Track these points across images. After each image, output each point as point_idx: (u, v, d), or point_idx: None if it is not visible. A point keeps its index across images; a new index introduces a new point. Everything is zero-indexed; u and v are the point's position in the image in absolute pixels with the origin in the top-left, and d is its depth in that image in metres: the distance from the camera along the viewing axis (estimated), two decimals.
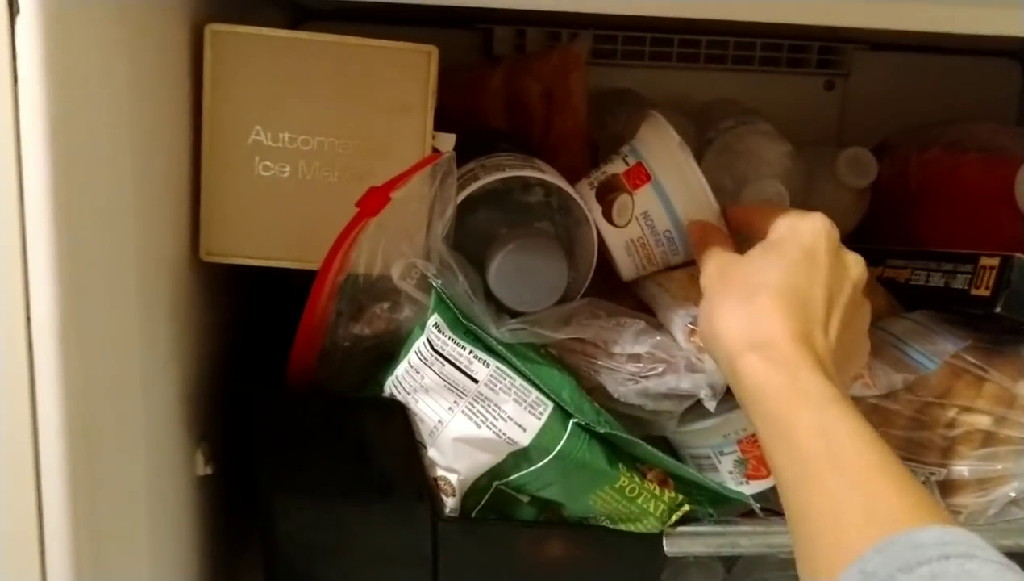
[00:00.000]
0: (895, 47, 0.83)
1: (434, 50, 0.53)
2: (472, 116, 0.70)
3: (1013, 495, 0.57)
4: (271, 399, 0.57)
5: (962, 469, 0.57)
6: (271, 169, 0.53)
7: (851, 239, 0.67)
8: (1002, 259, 0.55)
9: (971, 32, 0.47)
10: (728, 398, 0.56)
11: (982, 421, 0.57)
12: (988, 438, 0.57)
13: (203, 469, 0.56)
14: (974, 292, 0.57)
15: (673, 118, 0.65)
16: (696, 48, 0.82)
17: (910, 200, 0.69)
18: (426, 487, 0.56)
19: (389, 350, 0.56)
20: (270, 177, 0.53)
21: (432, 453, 0.55)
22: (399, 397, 0.55)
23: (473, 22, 0.79)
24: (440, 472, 0.56)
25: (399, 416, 0.55)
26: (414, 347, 0.54)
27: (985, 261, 0.56)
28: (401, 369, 0.55)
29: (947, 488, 0.58)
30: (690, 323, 0.56)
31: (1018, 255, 0.55)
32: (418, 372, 0.54)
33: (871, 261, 0.62)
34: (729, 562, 0.65)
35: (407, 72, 0.53)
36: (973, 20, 0.49)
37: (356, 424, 0.56)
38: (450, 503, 0.57)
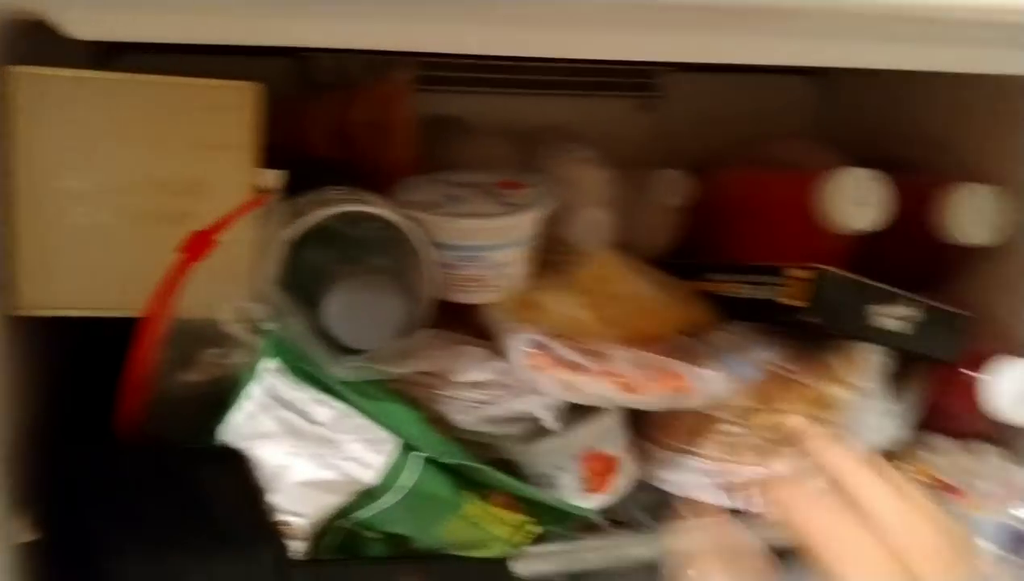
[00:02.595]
0: (704, 68, 0.89)
1: (257, 87, 0.53)
2: (297, 147, 0.70)
3: (824, 485, 0.62)
4: (99, 455, 0.55)
5: (783, 468, 0.62)
6: (86, 215, 0.52)
7: (670, 257, 0.72)
8: (816, 273, 0.61)
9: (773, 63, 0.51)
10: (567, 417, 0.59)
11: (797, 423, 0.62)
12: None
13: (25, 536, 0.53)
14: (785, 301, 0.62)
15: (497, 145, 0.68)
16: (520, 74, 0.85)
17: (723, 218, 0.75)
18: (271, 533, 0.56)
19: (223, 396, 0.55)
20: (86, 223, 0.52)
21: (276, 498, 0.55)
22: (237, 444, 0.55)
23: (292, 50, 0.79)
24: (285, 516, 0.56)
25: (237, 463, 0.55)
26: (249, 393, 0.54)
27: (793, 272, 0.62)
28: (237, 416, 0.54)
29: (768, 487, 0.62)
30: (525, 347, 0.58)
31: (830, 269, 0.61)
32: (255, 418, 0.54)
33: (690, 275, 0.67)
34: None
35: (227, 110, 0.53)
36: (772, 51, 0.53)
37: (193, 475, 0.55)
38: (297, 547, 0.57)
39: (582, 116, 0.87)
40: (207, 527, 0.56)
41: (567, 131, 0.81)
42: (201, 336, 0.55)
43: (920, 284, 0.67)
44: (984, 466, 0.69)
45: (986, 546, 0.66)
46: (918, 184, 0.70)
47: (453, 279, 0.62)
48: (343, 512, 0.56)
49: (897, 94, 0.82)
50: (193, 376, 0.56)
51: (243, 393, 0.54)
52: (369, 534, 0.59)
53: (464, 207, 0.61)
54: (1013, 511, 0.66)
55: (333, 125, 0.73)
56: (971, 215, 0.69)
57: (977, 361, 0.68)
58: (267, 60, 0.77)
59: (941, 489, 0.67)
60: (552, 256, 0.66)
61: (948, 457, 0.68)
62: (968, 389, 0.68)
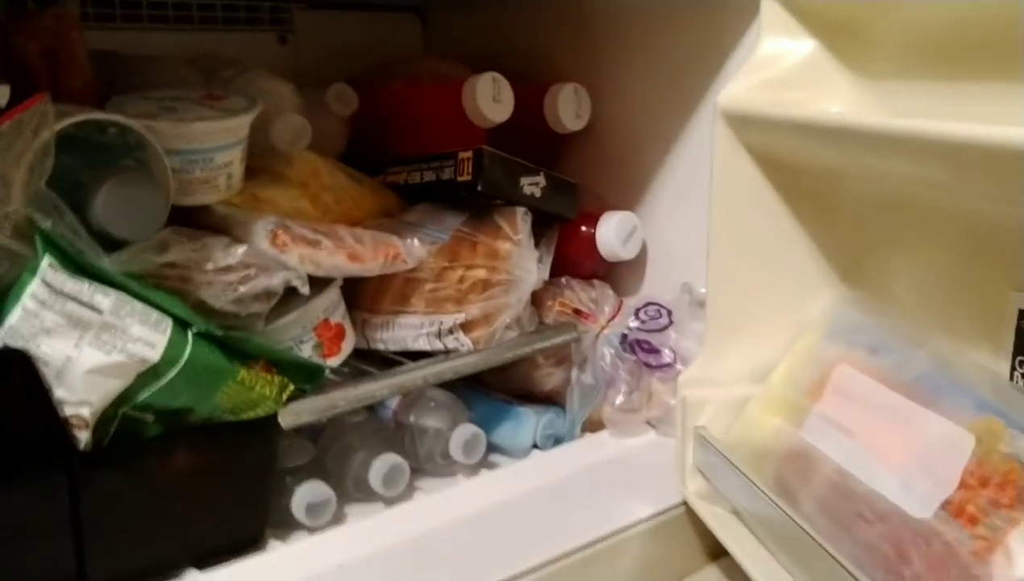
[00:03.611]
0: (329, 6, 1.03)
1: None
2: None
3: (508, 321, 0.81)
4: None
5: (474, 310, 0.79)
6: None
7: (344, 160, 0.85)
8: (475, 152, 0.78)
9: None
10: (300, 295, 0.70)
11: (480, 273, 0.80)
12: (486, 285, 0.80)
13: None
14: (459, 179, 0.79)
15: (182, 70, 0.76)
16: (160, 10, 0.91)
17: (387, 125, 0.89)
18: (59, 428, 0.60)
19: None
20: None
21: (61, 393, 0.60)
22: (16, 346, 0.58)
23: None
24: (71, 410, 0.60)
25: (18, 365, 0.58)
26: (28, 293, 0.58)
27: (462, 155, 0.79)
28: (15, 317, 0.58)
29: (467, 327, 0.79)
30: (271, 227, 0.68)
31: (486, 148, 0.79)
32: (36, 316, 0.58)
33: (375, 172, 0.81)
34: (314, 436, 0.80)
35: None
36: None
37: None
38: (84, 437, 0.61)
39: (231, 49, 0.95)
40: None
41: (227, 58, 0.89)
42: None
43: (540, 162, 0.87)
44: (604, 296, 0.92)
45: (610, 351, 0.88)
46: (528, 88, 0.90)
47: (183, 183, 0.69)
48: (126, 396, 0.62)
49: (498, 19, 1.03)
50: None
51: (18, 295, 0.57)
52: (146, 417, 0.65)
53: (184, 115, 0.68)
54: (625, 323, 0.89)
55: (4, 54, 0.74)
56: (566, 108, 0.91)
57: (590, 218, 0.91)
58: None
59: (578, 316, 0.89)
60: (261, 160, 0.75)
61: (579, 292, 0.90)
62: (587, 240, 0.90)
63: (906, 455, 0.57)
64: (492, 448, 0.88)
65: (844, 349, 0.69)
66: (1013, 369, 0.61)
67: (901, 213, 0.71)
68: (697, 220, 0.87)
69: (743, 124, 0.70)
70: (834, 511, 0.59)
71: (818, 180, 0.73)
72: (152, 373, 0.62)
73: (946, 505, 0.52)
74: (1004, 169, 0.52)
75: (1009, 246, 0.62)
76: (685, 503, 0.76)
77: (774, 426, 0.70)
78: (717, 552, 0.79)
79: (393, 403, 0.85)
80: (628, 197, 0.93)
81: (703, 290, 0.86)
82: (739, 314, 0.77)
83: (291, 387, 0.70)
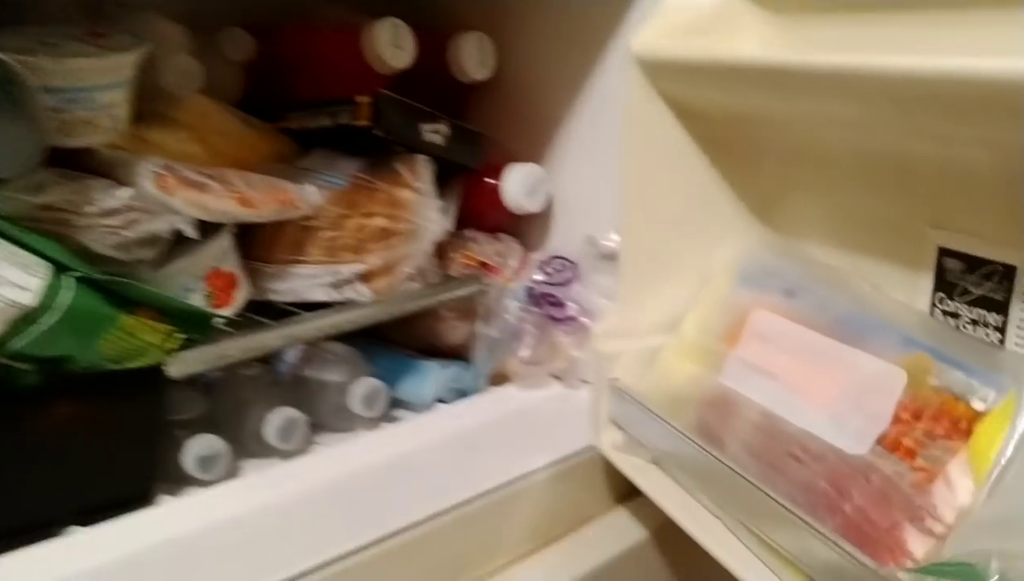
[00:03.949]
0: None
1: None
2: None
3: (409, 271, 0.79)
4: None
5: (374, 260, 0.78)
6: None
7: (241, 108, 0.83)
8: (373, 96, 0.76)
9: None
10: (190, 241, 0.68)
11: (380, 222, 0.78)
12: (387, 234, 0.79)
13: None
14: (357, 123, 0.77)
15: (65, 6, 0.72)
16: None
17: (285, 72, 0.87)
18: None
19: None
20: None
21: None
22: None
23: None
24: None
25: None
26: None
27: (360, 99, 0.77)
28: None
29: (367, 277, 0.78)
30: (155, 169, 0.65)
31: (384, 92, 0.77)
32: None
33: (271, 117, 0.79)
34: (207, 390, 0.78)
35: None
36: None
37: None
38: None
39: None
40: None
41: None
42: None
43: (448, 113, 0.86)
44: (510, 249, 0.91)
45: (515, 304, 0.88)
46: (432, 36, 0.89)
47: (64, 123, 0.65)
48: None
49: None
50: None
51: None
52: (21, 366, 0.62)
53: (64, 51, 0.65)
54: (529, 277, 0.89)
55: None
56: (469, 57, 0.89)
57: (495, 170, 0.90)
58: None
59: (484, 268, 0.88)
60: (149, 103, 0.72)
61: (484, 245, 0.90)
62: (492, 192, 0.89)
63: (834, 394, 0.58)
64: (395, 403, 0.87)
65: (758, 293, 0.70)
66: (933, 305, 0.63)
67: (815, 156, 0.72)
68: (603, 172, 0.87)
69: (658, 70, 0.70)
70: (764, 452, 0.60)
71: (731, 126, 0.74)
72: (27, 319, 0.59)
73: (881, 440, 0.54)
74: (920, 100, 0.53)
75: (925, 183, 0.63)
76: (593, 450, 0.76)
77: (690, 373, 0.71)
78: (624, 495, 0.80)
79: (291, 356, 0.83)
80: (535, 149, 0.93)
81: (607, 242, 0.86)
82: (652, 264, 0.77)
83: (178, 336, 0.67)
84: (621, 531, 0.79)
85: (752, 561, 0.60)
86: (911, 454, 0.52)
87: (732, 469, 0.59)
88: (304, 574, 0.65)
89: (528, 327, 0.88)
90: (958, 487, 0.49)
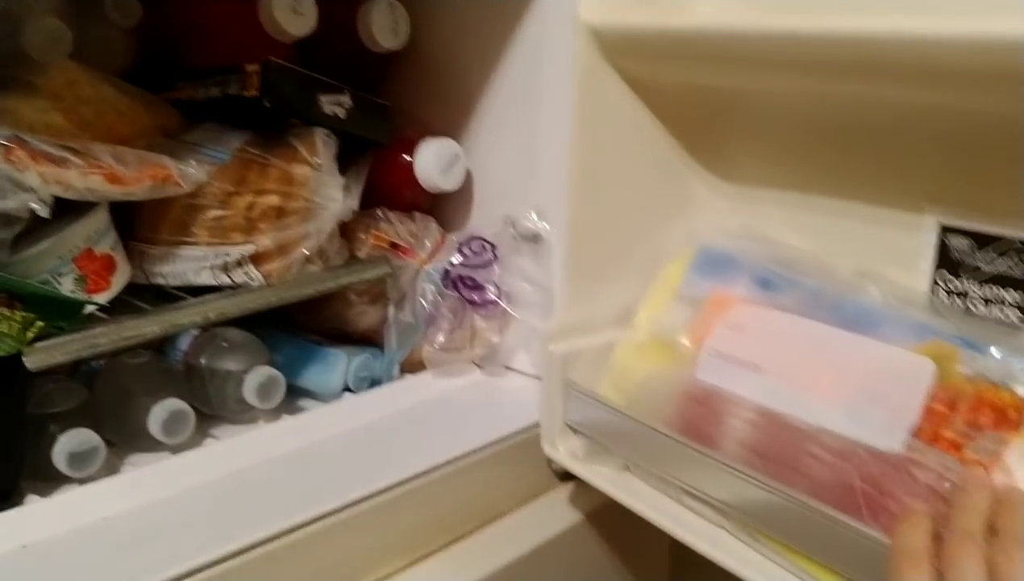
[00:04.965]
0: None
1: None
2: None
3: (306, 253, 0.74)
4: None
5: (266, 241, 0.73)
6: None
7: (129, 79, 0.77)
8: (262, 64, 0.71)
9: None
10: (59, 221, 0.63)
11: (273, 200, 0.73)
12: (280, 213, 0.74)
13: None
14: (246, 94, 0.72)
15: None
16: None
17: (179, 39, 0.81)
18: None
19: None
20: None
21: None
22: None
23: None
24: None
25: None
26: None
27: (248, 67, 0.72)
28: None
29: (258, 259, 0.73)
30: (2, 142, 0.60)
31: (274, 60, 0.72)
32: None
33: (159, 88, 0.74)
34: (89, 381, 0.73)
35: None
36: None
37: None
38: None
39: None
40: None
41: None
42: None
43: (361, 86, 0.81)
44: (425, 230, 0.86)
45: (431, 287, 0.83)
46: (341, 1, 0.83)
47: None
48: None
49: None
50: None
51: None
52: None
53: None
54: (446, 258, 0.84)
55: None
56: (380, 24, 0.84)
57: (409, 146, 0.85)
58: None
59: (395, 250, 0.84)
60: (11, 69, 0.67)
61: (398, 225, 0.85)
62: (405, 169, 0.85)
63: (847, 387, 0.54)
64: (302, 393, 0.82)
65: (721, 283, 0.66)
66: (935, 284, 0.60)
67: (787, 129, 0.68)
68: (523, 149, 0.82)
69: (610, 40, 0.65)
70: (772, 452, 0.55)
71: (693, 98, 0.69)
72: None
73: (916, 434, 0.50)
74: (888, 63, 0.49)
75: (920, 156, 0.60)
76: (515, 437, 0.72)
77: (652, 371, 0.66)
78: (552, 482, 0.76)
79: (184, 344, 0.78)
80: (453, 124, 0.88)
81: (528, 223, 0.82)
82: (603, 252, 0.73)
83: (38, 324, 0.62)
84: (551, 515, 0.75)
85: (764, 564, 0.56)
86: (956, 447, 0.49)
87: (741, 472, 0.54)
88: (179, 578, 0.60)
89: (444, 312, 0.84)
90: (1018, 476, 0.47)
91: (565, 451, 0.70)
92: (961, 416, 0.50)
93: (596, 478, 0.67)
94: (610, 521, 0.78)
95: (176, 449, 0.72)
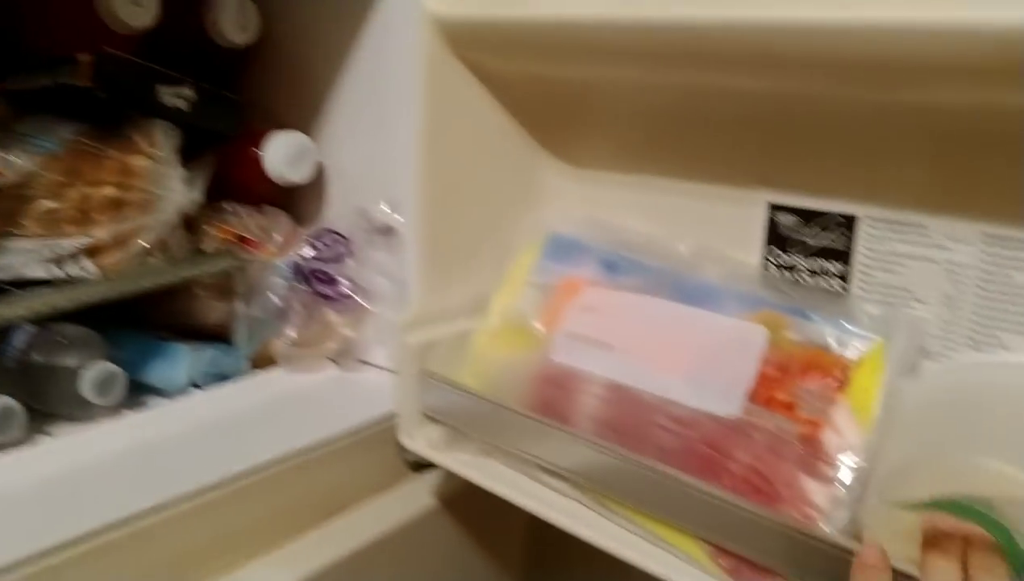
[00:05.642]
0: None
1: None
2: None
3: (145, 245, 0.74)
4: None
5: (102, 233, 0.72)
6: None
7: None
8: (96, 54, 0.70)
9: None
10: None
11: (109, 192, 0.72)
12: (118, 205, 0.73)
13: None
14: (79, 83, 0.71)
15: None
16: None
17: (16, 27, 0.79)
18: None
19: None
20: None
21: None
22: None
23: None
24: None
25: None
26: None
27: (81, 58, 0.71)
28: None
29: (94, 252, 0.72)
30: None
31: (108, 50, 0.71)
32: None
33: None
34: None
35: None
36: None
37: None
38: None
39: None
40: None
41: None
42: None
43: (211, 80, 0.80)
44: (275, 223, 0.86)
45: (282, 282, 0.83)
46: None
47: None
48: None
49: None
50: None
51: None
52: None
53: None
54: (297, 252, 0.84)
55: None
56: (228, 19, 0.84)
57: (257, 138, 0.84)
58: None
59: (243, 243, 0.83)
60: None
61: (246, 218, 0.84)
62: (253, 162, 0.84)
63: (687, 359, 0.57)
64: (147, 390, 0.81)
65: (570, 268, 0.68)
66: (766, 260, 0.63)
67: (632, 120, 0.70)
68: (375, 141, 0.83)
69: (459, 32, 0.66)
70: (623, 426, 0.57)
71: (540, 89, 0.70)
72: None
73: (752, 399, 0.54)
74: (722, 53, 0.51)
75: (752, 141, 0.63)
76: (368, 430, 0.72)
77: (508, 358, 0.67)
78: (404, 472, 0.77)
79: (19, 339, 0.76)
80: (305, 117, 0.88)
81: (381, 215, 0.83)
82: (455, 243, 0.73)
83: None
84: (402, 505, 0.75)
85: (619, 532, 0.58)
86: (789, 407, 0.53)
87: (595, 443, 0.57)
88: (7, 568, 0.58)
89: (296, 306, 0.84)
90: (847, 433, 0.50)
91: (423, 441, 0.70)
92: (792, 379, 0.54)
93: (456, 464, 0.68)
94: (464, 508, 0.79)
95: (4, 447, 0.70)
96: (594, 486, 0.59)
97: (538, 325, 0.67)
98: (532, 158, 0.76)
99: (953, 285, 0.56)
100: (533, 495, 0.63)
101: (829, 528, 0.48)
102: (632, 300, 0.63)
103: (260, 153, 0.84)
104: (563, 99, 0.71)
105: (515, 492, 0.63)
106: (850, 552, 0.45)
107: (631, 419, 0.57)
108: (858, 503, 0.49)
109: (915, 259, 0.57)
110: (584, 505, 0.61)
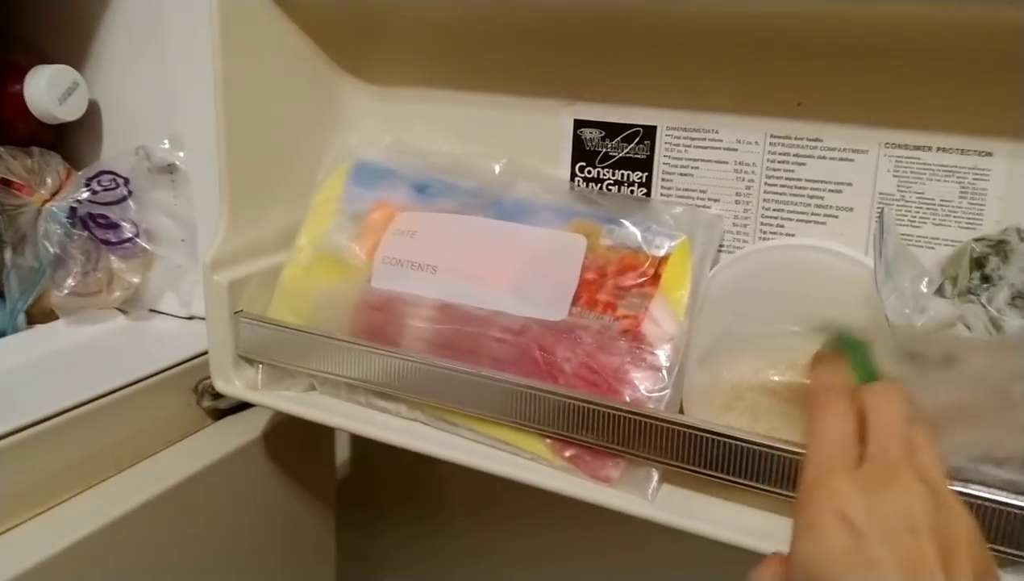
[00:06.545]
0: None
1: None
2: None
3: None
4: None
5: None
6: None
7: None
8: None
9: None
10: None
11: None
12: None
13: None
14: None
15: None
16: None
17: None
18: None
19: None
20: None
21: None
22: None
23: None
24: None
25: None
26: None
27: None
28: None
29: None
30: None
31: None
32: None
33: None
34: None
35: None
36: None
37: None
38: None
39: None
40: None
41: None
42: None
43: None
44: (46, 165, 0.79)
45: (56, 228, 0.77)
46: None
47: None
48: None
49: None
50: None
51: None
52: None
53: None
54: (72, 196, 0.78)
55: None
56: None
57: (19, 74, 0.77)
58: None
59: (8, 187, 0.76)
60: None
61: (10, 161, 0.77)
62: (16, 99, 0.77)
63: (511, 272, 0.59)
64: None
65: (380, 193, 0.67)
66: (574, 175, 0.66)
67: (436, 38, 0.69)
68: (152, 75, 0.78)
69: None
70: (457, 343, 0.58)
71: (340, 14, 0.68)
72: None
73: (577, 302, 0.57)
74: None
75: (556, 57, 0.64)
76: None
77: (325, 289, 0.65)
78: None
79: None
80: (73, 50, 0.81)
81: (161, 153, 0.78)
82: (259, 176, 0.69)
83: None
84: (201, 451, 0.72)
85: (455, 440, 0.60)
86: (611, 307, 0.57)
87: (428, 362, 0.58)
88: None
89: (74, 253, 0.78)
90: (663, 322, 0.55)
91: (241, 383, 0.67)
92: (610, 280, 0.58)
93: (279, 402, 0.66)
94: (273, 450, 0.77)
95: None
96: (434, 402, 0.59)
97: (355, 253, 0.66)
98: (332, 80, 0.74)
99: (743, 183, 0.60)
100: (366, 419, 0.63)
101: (655, 405, 0.52)
102: (450, 221, 0.64)
103: (23, 89, 0.77)
104: (365, 21, 0.70)
105: (349, 420, 0.63)
106: (676, 423, 0.49)
107: (463, 335, 0.58)
108: (679, 380, 0.54)
109: (709, 162, 0.61)
110: (424, 423, 0.62)
